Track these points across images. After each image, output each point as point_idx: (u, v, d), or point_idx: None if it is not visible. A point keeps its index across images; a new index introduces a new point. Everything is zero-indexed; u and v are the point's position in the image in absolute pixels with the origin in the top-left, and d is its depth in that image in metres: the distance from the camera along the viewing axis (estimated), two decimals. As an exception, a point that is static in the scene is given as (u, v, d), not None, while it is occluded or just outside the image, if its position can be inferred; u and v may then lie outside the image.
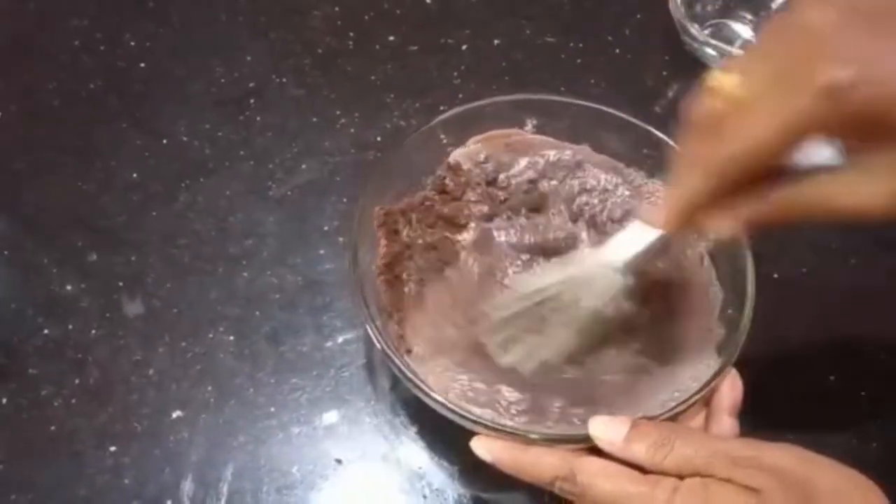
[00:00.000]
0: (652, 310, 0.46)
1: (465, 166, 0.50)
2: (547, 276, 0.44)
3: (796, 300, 0.53)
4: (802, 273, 0.56)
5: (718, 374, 0.39)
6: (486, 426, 0.38)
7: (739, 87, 0.31)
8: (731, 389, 0.39)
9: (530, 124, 0.51)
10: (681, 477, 0.33)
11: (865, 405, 0.50)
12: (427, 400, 0.40)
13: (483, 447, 0.38)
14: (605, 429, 0.35)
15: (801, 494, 0.31)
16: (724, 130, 0.31)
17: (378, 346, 0.41)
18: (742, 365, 0.41)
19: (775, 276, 0.54)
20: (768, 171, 0.32)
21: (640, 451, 0.34)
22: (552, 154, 0.51)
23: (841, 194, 0.32)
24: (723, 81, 0.32)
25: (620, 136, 0.50)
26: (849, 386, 0.51)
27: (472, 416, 0.38)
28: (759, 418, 0.42)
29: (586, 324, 0.43)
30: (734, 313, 0.43)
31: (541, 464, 0.36)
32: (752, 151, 0.31)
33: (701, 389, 0.39)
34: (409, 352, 0.44)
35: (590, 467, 0.35)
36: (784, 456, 0.33)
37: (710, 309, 0.45)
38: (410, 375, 0.40)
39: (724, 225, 0.34)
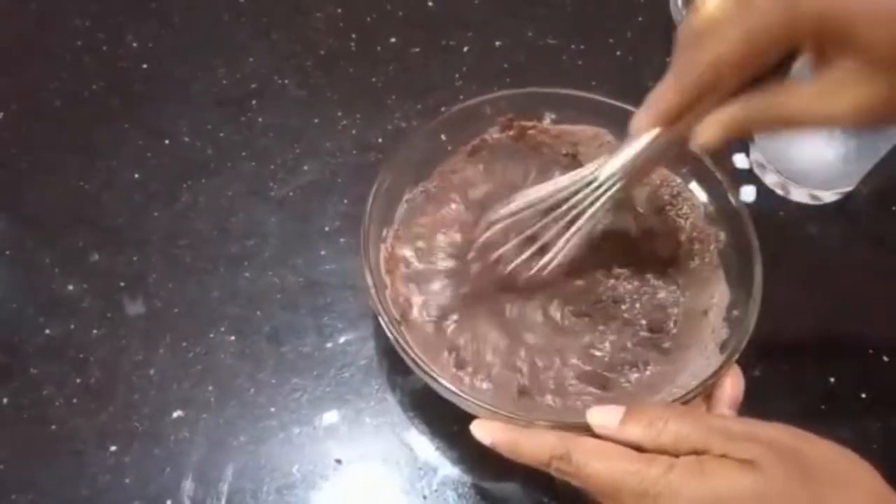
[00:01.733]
0: (660, 305, 0.46)
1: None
2: (544, 187, 0.45)
3: (794, 301, 0.53)
4: (801, 274, 0.56)
5: (719, 371, 0.40)
6: (485, 409, 0.38)
7: (716, 4, 0.34)
8: (733, 385, 0.39)
9: (549, 118, 0.52)
10: (677, 455, 0.33)
11: (866, 407, 0.51)
12: (427, 379, 0.40)
13: (482, 430, 0.38)
14: (602, 415, 0.36)
15: (797, 465, 0.31)
16: (702, 41, 0.35)
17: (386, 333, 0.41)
18: (741, 366, 0.41)
19: (774, 277, 0.54)
20: (745, 83, 0.35)
21: (635, 431, 0.34)
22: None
23: (809, 103, 0.34)
24: (704, 1, 0.35)
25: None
26: (849, 387, 0.51)
27: (472, 399, 0.39)
28: (758, 419, 0.42)
29: (584, 236, 0.44)
30: (739, 314, 0.43)
31: (538, 444, 0.36)
32: (720, 58, 0.34)
33: (700, 385, 0.39)
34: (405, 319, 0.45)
35: (586, 446, 0.35)
36: (779, 431, 0.33)
37: (717, 308, 0.45)
38: (414, 357, 0.40)
39: (705, 130, 0.36)
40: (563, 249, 0.44)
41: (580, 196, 0.42)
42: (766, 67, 0.35)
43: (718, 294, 0.46)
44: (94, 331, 0.52)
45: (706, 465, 0.32)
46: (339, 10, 0.68)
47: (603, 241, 0.49)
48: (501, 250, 0.46)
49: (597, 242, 0.48)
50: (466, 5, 0.69)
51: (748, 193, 0.59)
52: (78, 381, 0.50)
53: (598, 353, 0.45)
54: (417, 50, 0.66)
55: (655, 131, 0.39)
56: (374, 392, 0.50)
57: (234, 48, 0.66)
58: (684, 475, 0.32)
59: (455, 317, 0.46)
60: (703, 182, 0.49)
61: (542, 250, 0.45)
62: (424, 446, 0.49)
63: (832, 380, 0.51)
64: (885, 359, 0.52)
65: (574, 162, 0.52)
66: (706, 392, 0.40)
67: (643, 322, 0.46)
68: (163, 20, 0.67)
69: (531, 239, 0.45)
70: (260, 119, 0.62)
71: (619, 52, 0.67)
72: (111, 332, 0.52)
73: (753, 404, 0.46)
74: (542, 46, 0.67)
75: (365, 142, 0.61)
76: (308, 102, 0.63)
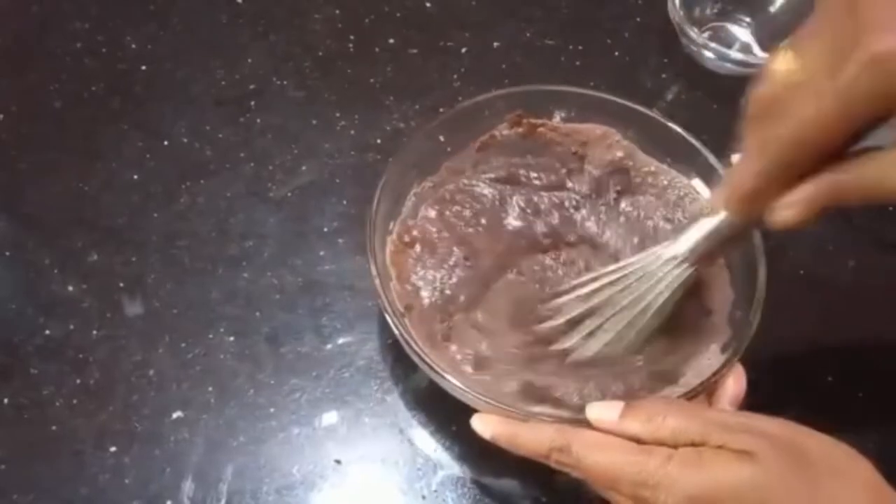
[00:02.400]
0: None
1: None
2: (611, 273, 0.43)
3: (794, 301, 0.53)
4: (801, 274, 0.56)
5: (719, 371, 0.40)
6: (486, 402, 0.39)
7: (794, 66, 0.31)
8: (736, 383, 0.40)
9: (558, 116, 0.52)
10: (675, 447, 0.33)
11: (864, 406, 0.51)
12: (430, 373, 0.41)
13: (482, 423, 0.39)
14: (601, 410, 0.36)
15: (793, 456, 0.32)
16: (780, 112, 0.31)
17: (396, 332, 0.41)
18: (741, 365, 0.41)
19: (774, 277, 0.54)
20: (831, 155, 0.31)
21: (633, 425, 0.35)
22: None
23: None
24: (778, 63, 0.32)
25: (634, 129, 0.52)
26: (847, 387, 0.51)
27: (473, 392, 0.39)
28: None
29: (647, 316, 0.42)
30: (742, 315, 0.43)
31: (537, 437, 0.37)
32: (806, 130, 0.30)
33: (702, 384, 0.39)
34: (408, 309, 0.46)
35: (585, 438, 0.35)
36: (777, 425, 0.34)
37: (721, 309, 0.46)
38: (418, 350, 0.41)
39: (788, 210, 0.33)
40: (617, 331, 0.43)
41: (645, 276, 0.41)
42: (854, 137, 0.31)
43: (722, 295, 0.46)
44: (94, 331, 0.52)
45: (704, 456, 0.32)
46: (338, 12, 0.68)
47: None
48: (547, 324, 0.45)
49: None
50: (464, 6, 0.69)
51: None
52: (78, 381, 0.50)
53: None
54: (415, 51, 0.66)
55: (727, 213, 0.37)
56: (373, 392, 0.50)
57: (233, 49, 0.66)
58: (682, 466, 0.32)
59: (460, 313, 0.46)
60: (707, 181, 0.49)
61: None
62: (423, 446, 0.49)
63: (829, 379, 0.51)
64: (883, 359, 0.52)
65: (581, 162, 0.52)
66: (709, 390, 0.40)
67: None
68: (162, 22, 0.67)
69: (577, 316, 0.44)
70: (258, 120, 0.62)
71: (616, 53, 0.67)
72: (111, 332, 0.52)
73: (750, 403, 0.46)
74: (540, 47, 0.67)
75: (363, 143, 0.61)
76: (306, 103, 0.63)
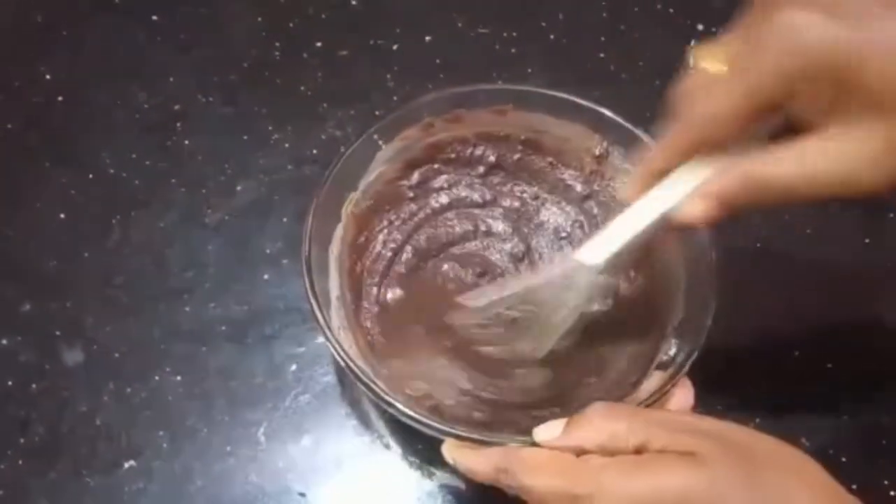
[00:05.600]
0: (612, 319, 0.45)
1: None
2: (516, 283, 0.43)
3: (749, 278, 0.52)
4: (758, 246, 0.55)
5: (665, 387, 0.38)
6: (441, 431, 0.37)
7: (713, 61, 0.32)
8: (682, 396, 0.38)
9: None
10: (616, 453, 0.32)
11: (833, 376, 0.50)
12: (384, 405, 0.39)
13: (445, 449, 0.37)
14: (546, 430, 0.34)
15: (742, 456, 0.30)
16: (694, 102, 0.32)
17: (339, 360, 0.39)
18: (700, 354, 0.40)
19: (731, 250, 0.52)
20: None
21: (575, 438, 0.33)
22: None
23: (816, 162, 0.30)
24: (698, 58, 0.33)
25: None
26: (814, 359, 0.50)
27: (427, 421, 0.37)
28: (729, 399, 0.44)
29: (564, 327, 0.41)
30: (691, 330, 0.41)
31: (486, 461, 0.35)
32: (715, 116, 0.31)
33: (646, 400, 0.38)
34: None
35: (521, 458, 0.34)
36: (723, 425, 0.32)
37: (669, 322, 0.44)
38: (364, 378, 0.38)
39: (695, 206, 0.33)
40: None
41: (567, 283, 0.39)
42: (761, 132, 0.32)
43: (673, 311, 0.44)
44: (34, 385, 0.49)
45: (643, 461, 0.31)
46: (260, 19, 0.65)
47: None
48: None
49: None
50: (392, 2, 0.67)
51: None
52: (22, 440, 0.48)
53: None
54: (345, 53, 0.64)
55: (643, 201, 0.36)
56: (334, 416, 0.49)
57: (153, 69, 0.63)
58: (617, 473, 0.30)
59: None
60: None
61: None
62: (390, 472, 0.47)
63: (796, 353, 0.51)
64: (848, 324, 0.52)
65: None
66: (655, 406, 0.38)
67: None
68: (74, 48, 0.64)
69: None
70: (186, 142, 0.59)
71: (552, 36, 0.65)
72: (51, 384, 0.49)
73: (721, 391, 0.45)
74: (474, 37, 0.64)
75: (300, 155, 0.59)
76: (236, 119, 0.60)
